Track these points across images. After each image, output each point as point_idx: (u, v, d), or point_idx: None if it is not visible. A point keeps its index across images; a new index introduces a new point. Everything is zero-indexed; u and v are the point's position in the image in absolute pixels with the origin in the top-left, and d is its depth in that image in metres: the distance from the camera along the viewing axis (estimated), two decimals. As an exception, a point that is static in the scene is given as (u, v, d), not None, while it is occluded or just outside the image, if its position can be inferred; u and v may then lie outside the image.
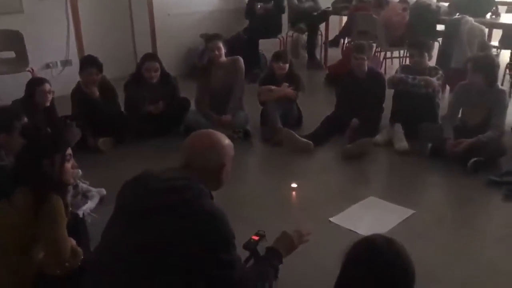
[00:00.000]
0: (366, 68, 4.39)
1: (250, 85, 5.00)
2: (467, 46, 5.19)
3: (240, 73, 4.49)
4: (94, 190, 3.23)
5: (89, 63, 4.17)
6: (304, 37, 7.25)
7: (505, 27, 5.75)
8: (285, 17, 7.00)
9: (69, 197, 2.55)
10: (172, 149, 4.12)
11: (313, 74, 6.79)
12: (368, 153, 4.01)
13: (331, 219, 3.02)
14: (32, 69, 5.00)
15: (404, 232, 2.87)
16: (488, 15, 5.77)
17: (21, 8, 5.24)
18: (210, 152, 1.79)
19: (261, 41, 6.68)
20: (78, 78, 4.22)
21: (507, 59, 5.42)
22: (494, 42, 6.11)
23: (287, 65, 4.52)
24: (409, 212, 3.09)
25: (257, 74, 6.04)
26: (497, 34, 6.19)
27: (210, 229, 1.61)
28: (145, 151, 4.14)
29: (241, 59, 4.53)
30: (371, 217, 3.03)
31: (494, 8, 5.76)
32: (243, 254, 1.96)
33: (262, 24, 6.61)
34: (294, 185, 3.45)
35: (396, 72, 4.43)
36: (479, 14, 5.54)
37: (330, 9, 7.13)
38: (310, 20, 6.97)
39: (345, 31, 7.07)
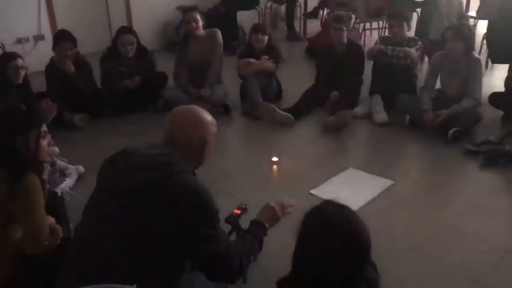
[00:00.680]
0: (345, 39, 4.37)
1: (229, 58, 4.94)
2: (446, 17, 5.21)
3: (218, 46, 4.42)
4: (72, 168, 3.18)
5: (62, 38, 4.05)
6: (283, 8, 7.17)
7: (482, -3, 5.78)
8: (263, -12, 6.91)
9: (45, 175, 2.51)
10: (150, 125, 4.09)
11: (292, 46, 6.75)
12: (348, 125, 4.03)
13: (312, 191, 3.04)
14: (3, 45, 4.85)
15: (384, 202, 2.92)
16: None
17: (-12, -20, 5.06)
18: (193, 128, 1.78)
19: (239, 13, 6.58)
20: (51, 54, 4.11)
21: (484, 30, 5.45)
22: (472, 13, 6.15)
23: (266, 37, 4.47)
24: (388, 182, 3.14)
25: (236, 47, 5.98)
26: (474, 4, 6.23)
27: (194, 205, 1.61)
28: (122, 126, 4.09)
29: (219, 32, 4.46)
30: (351, 188, 3.06)
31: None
32: (225, 228, 1.96)
33: (240, -5, 6.52)
34: (274, 158, 3.45)
35: (375, 43, 4.42)
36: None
37: (309, -20, 7.05)
38: (289, -9, 6.89)
39: (323, 2, 7.01)
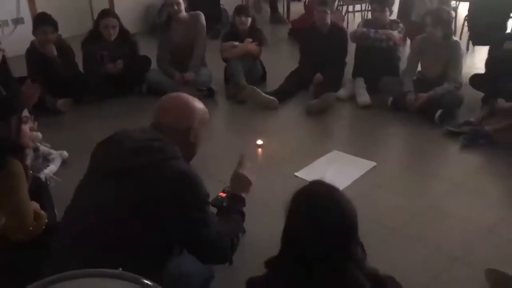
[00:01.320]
0: (329, 22, 4.37)
1: (212, 42, 4.91)
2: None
3: (202, 30, 4.39)
4: (55, 153, 3.15)
5: (43, 22, 3.97)
6: (266, -9, 7.12)
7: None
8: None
9: (28, 161, 2.49)
10: (134, 109, 4.07)
11: (276, 29, 6.72)
12: (332, 107, 4.06)
13: (296, 173, 3.07)
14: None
15: (367, 184, 2.97)
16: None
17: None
18: (178, 112, 1.78)
19: (222, -5, 6.53)
20: (31, 38, 4.03)
21: (465, 12, 5.49)
22: (454, -5, 6.17)
23: (249, 19, 4.44)
24: (371, 164, 3.18)
25: (219, 30, 5.93)
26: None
27: (185, 189, 1.62)
28: (106, 111, 4.06)
29: (202, 15, 4.42)
30: (335, 170, 3.10)
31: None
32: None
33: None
34: (259, 141, 3.47)
35: (358, 26, 4.44)
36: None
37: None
38: (272, -27, 6.84)
39: (307, -15, 6.97)
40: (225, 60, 4.52)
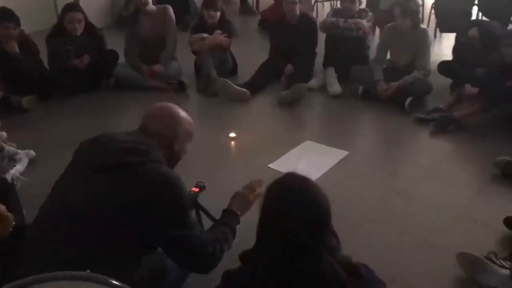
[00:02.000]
0: (298, 12, 4.37)
1: (182, 34, 4.84)
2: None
3: (171, 23, 4.33)
4: (21, 152, 3.05)
5: (4, 17, 3.83)
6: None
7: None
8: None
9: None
10: (102, 104, 3.99)
11: (245, 20, 6.68)
12: (303, 98, 4.07)
13: (270, 165, 3.07)
14: None
15: (340, 172, 2.99)
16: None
17: None
18: (165, 118, 1.81)
19: (189, -15, 6.43)
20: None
21: (432, 0, 5.56)
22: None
23: (218, 13, 4.39)
24: (343, 153, 3.20)
25: (188, 21, 5.85)
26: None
27: (168, 192, 1.63)
28: (73, 107, 3.96)
29: (170, 8, 4.35)
30: (308, 160, 3.11)
31: None
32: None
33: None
34: (232, 134, 3.45)
35: (328, 16, 4.45)
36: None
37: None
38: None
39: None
40: (194, 52, 4.47)
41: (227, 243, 1.83)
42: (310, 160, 3.11)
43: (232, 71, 4.61)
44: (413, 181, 2.91)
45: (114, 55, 4.30)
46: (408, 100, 3.75)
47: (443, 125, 3.47)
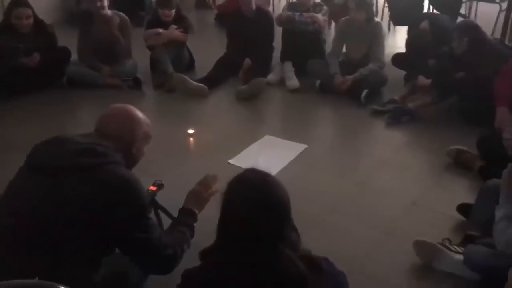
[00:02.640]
0: (254, 6, 4.36)
1: (136, 30, 4.74)
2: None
3: (126, 29, 4.24)
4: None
5: None
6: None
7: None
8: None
9: None
10: (55, 104, 3.86)
11: (202, 14, 6.62)
12: (262, 92, 4.07)
13: (230, 161, 3.05)
14: None
15: (300, 166, 3.01)
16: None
17: None
18: (123, 121, 1.79)
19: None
20: None
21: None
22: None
23: (173, 11, 4.32)
24: (302, 146, 3.23)
25: (143, 17, 5.74)
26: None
27: (126, 194, 1.62)
28: (24, 109, 3.79)
29: (127, 19, 4.26)
30: (268, 154, 3.11)
31: None
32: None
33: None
34: (190, 131, 3.41)
35: (283, 10, 4.46)
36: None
37: None
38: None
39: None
40: (149, 48, 4.39)
41: (187, 243, 1.83)
42: (270, 154, 3.12)
43: (189, 66, 4.55)
44: (370, 172, 2.97)
45: (66, 52, 4.17)
46: (364, 92, 3.81)
47: (397, 117, 3.55)
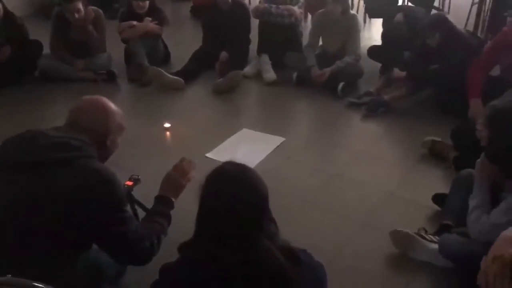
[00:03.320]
0: (230, -2, 4.32)
1: (111, 22, 4.65)
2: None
3: (101, 23, 4.15)
4: None
5: None
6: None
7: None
8: None
9: None
10: (27, 99, 3.78)
11: (177, 7, 6.55)
12: (239, 85, 4.05)
13: (207, 154, 3.04)
14: None
15: (277, 159, 3.02)
16: None
17: None
18: (97, 113, 1.76)
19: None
20: None
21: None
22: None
23: (147, 2, 4.26)
24: (280, 139, 3.23)
25: (117, 9, 5.64)
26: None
27: (102, 188, 1.60)
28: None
29: (101, 14, 4.16)
30: (245, 148, 3.11)
31: None
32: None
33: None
34: (167, 124, 3.38)
35: (260, 2, 4.44)
36: None
37: None
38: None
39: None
40: (124, 41, 4.32)
41: (163, 233, 1.82)
42: (247, 147, 3.11)
43: (164, 59, 4.50)
44: (347, 164, 2.99)
45: (38, 46, 4.06)
46: (340, 85, 3.83)
47: (373, 109, 3.58)
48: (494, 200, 1.97)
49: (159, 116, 3.52)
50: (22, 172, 1.56)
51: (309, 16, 5.46)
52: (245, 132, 3.34)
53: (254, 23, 4.47)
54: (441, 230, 2.22)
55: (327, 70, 3.90)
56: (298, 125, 3.67)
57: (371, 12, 5.50)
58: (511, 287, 1.25)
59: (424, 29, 3.51)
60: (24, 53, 3.96)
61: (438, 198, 2.51)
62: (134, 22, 4.22)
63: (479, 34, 4.54)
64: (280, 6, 4.21)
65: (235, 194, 1.33)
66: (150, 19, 4.25)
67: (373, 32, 5.35)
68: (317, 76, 3.91)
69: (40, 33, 4.18)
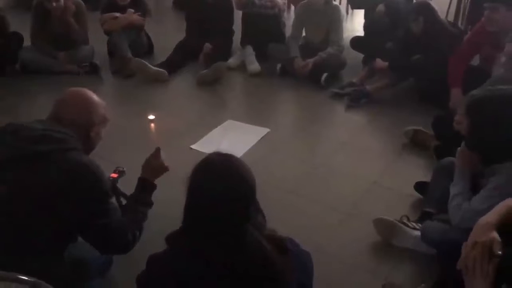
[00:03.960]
0: (213, -11, 4.30)
1: (92, 14, 4.59)
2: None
3: (82, 15, 4.09)
4: None
5: None
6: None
7: None
8: None
9: None
10: (8, 92, 3.72)
11: (159, -2, 6.49)
12: (223, 77, 4.05)
13: (192, 146, 3.04)
14: None
15: (262, 149, 3.03)
16: None
17: None
18: (80, 106, 1.76)
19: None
20: None
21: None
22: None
23: (130, -5, 4.22)
24: (265, 130, 3.25)
25: (99, 0, 5.57)
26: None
27: (86, 180, 1.60)
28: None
29: (83, 5, 4.11)
30: (230, 139, 3.12)
31: None
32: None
33: None
34: (151, 116, 3.37)
35: (243, -7, 4.42)
36: None
37: None
38: None
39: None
40: (106, 32, 4.28)
41: (145, 219, 1.87)
42: (232, 139, 3.12)
43: (147, 51, 4.48)
44: (332, 154, 3.02)
45: (18, 37, 4.00)
46: (324, 76, 3.86)
47: (356, 99, 3.61)
48: (475, 187, 2.01)
49: (143, 108, 3.51)
50: (5, 167, 1.55)
51: (292, 7, 5.46)
52: (229, 124, 3.35)
53: (238, 14, 4.46)
54: (423, 217, 2.27)
55: (310, 61, 3.92)
56: (282, 115, 3.69)
57: (354, 3, 5.52)
58: (489, 269, 1.29)
59: (408, 15, 3.54)
60: (4, 46, 3.90)
61: (420, 186, 2.56)
62: (117, 14, 4.18)
63: (459, 25, 4.59)
64: (263, -3, 4.21)
65: (223, 184, 1.34)
66: (133, 10, 4.21)
67: (355, 23, 5.39)
68: (301, 67, 3.93)
69: (21, 25, 4.11)
